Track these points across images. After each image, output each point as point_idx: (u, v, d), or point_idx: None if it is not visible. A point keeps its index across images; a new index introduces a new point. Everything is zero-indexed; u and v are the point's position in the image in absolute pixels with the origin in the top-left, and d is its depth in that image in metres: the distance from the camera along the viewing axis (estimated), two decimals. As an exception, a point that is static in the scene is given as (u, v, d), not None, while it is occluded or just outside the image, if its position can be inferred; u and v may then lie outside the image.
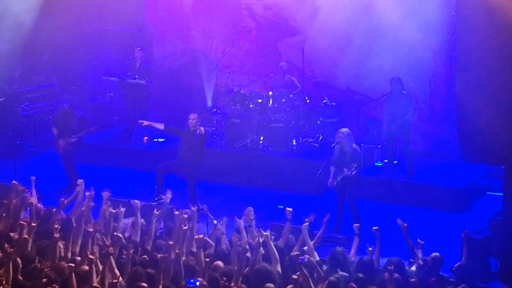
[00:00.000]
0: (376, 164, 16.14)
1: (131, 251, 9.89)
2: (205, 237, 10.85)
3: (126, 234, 11.55)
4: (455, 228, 13.23)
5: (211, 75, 17.93)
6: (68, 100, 15.94)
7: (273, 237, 10.98)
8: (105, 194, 11.87)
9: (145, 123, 14.86)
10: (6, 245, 9.85)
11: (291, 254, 10.69)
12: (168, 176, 14.87)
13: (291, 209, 11.40)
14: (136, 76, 17.31)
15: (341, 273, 10.08)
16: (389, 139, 15.60)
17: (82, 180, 12.51)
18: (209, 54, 19.04)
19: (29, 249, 10.17)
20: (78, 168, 15.69)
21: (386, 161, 15.95)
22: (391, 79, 15.35)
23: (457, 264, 10.69)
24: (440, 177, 15.50)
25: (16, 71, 18.35)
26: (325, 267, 10.32)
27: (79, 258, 10.11)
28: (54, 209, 12.00)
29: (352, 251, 11.09)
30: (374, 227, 10.89)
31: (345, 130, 13.65)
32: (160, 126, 14.70)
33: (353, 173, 13.38)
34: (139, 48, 17.65)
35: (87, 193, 11.85)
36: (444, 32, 16.03)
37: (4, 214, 11.81)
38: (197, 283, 9.07)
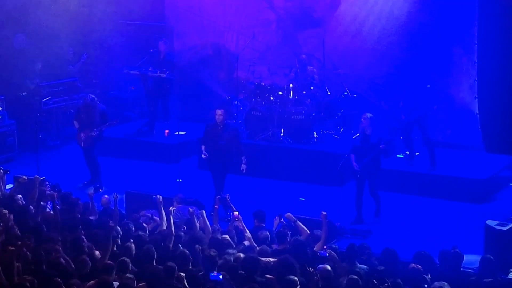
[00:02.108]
0: (397, 156, 16.07)
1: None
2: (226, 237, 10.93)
3: (149, 227, 11.64)
4: (478, 219, 13.16)
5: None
6: (90, 94, 15.96)
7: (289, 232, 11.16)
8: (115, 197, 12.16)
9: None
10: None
11: (314, 249, 10.74)
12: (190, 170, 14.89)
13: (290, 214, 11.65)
14: (158, 71, 17.32)
15: (360, 266, 10.06)
16: (406, 130, 15.56)
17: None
18: (229, 47, 19.03)
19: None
20: (100, 161, 15.75)
21: (407, 152, 15.88)
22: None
23: (482, 256, 10.62)
24: (462, 168, 15.41)
25: (37, 66, 18.42)
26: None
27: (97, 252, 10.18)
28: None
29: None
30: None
31: (369, 114, 13.73)
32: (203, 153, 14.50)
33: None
34: (163, 41, 17.64)
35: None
36: (468, 25, 15.90)
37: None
38: (220, 277, 9.10)
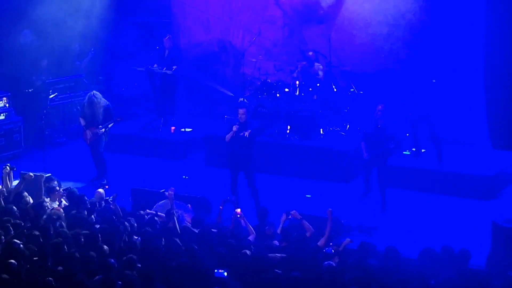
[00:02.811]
0: (404, 152, 16.05)
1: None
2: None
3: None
4: (485, 216, 13.14)
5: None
6: (94, 90, 15.94)
7: None
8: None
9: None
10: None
11: (318, 244, 10.74)
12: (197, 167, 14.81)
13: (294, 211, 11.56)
14: (164, 67, 17.33)
15: (368, 262, 10.06)
16: (412, 126, 15.54)
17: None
18: (235, 43, 19.02)
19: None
20: (106, 158, 15.75)
21: (414, 149, 15.87)
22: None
23: (489, 254, 10.60)
24: (469, 165, 15.38)
25: (43, 62, 18.43)
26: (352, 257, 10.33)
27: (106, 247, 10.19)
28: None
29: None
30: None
31: (383, 106, 13.82)
32: None
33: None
34: (167, 37, 17.63)
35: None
36: (475, 20, 15.85)
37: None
38: (225, 274, 9.10)
